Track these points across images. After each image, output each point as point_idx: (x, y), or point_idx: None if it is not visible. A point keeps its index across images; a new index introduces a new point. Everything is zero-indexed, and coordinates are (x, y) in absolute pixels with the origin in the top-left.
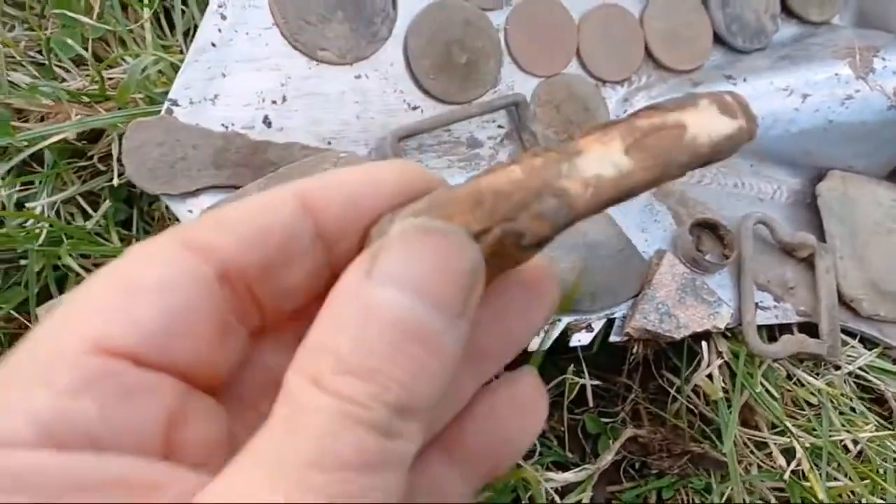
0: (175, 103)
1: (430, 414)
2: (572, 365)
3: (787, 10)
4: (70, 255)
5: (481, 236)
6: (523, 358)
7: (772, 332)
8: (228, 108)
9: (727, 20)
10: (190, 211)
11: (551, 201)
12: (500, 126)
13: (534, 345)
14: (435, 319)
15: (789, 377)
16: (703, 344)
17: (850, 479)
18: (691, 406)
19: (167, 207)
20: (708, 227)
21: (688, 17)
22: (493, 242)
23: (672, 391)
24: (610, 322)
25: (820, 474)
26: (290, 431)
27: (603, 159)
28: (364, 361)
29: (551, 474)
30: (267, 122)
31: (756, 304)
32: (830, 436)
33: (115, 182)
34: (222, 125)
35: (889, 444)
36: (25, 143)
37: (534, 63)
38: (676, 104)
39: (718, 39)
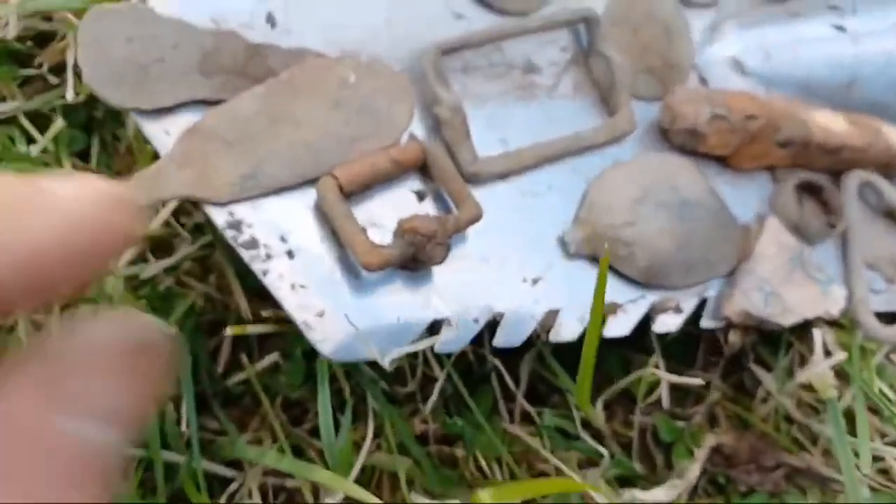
0: None
1: None
2: (650, 356)
3: None
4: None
5: (750, 119)
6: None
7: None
8: None
9: None
10: (167, 132)
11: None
12: (562, 48)
13: (616, 329)
14: None
15: None
16: (815, 332)
17: None
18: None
19: (137, 130)
20: (809, 190)
21: None
22: (757, 128)
23: (760, 390)
24: (701, 302)
25: None
26: None
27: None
28: None
29: (636, 492)
30: (271, 20)
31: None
32: None
33: (70, 97)
34: (212, 20)
35: None
36: None
37: None
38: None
39: None
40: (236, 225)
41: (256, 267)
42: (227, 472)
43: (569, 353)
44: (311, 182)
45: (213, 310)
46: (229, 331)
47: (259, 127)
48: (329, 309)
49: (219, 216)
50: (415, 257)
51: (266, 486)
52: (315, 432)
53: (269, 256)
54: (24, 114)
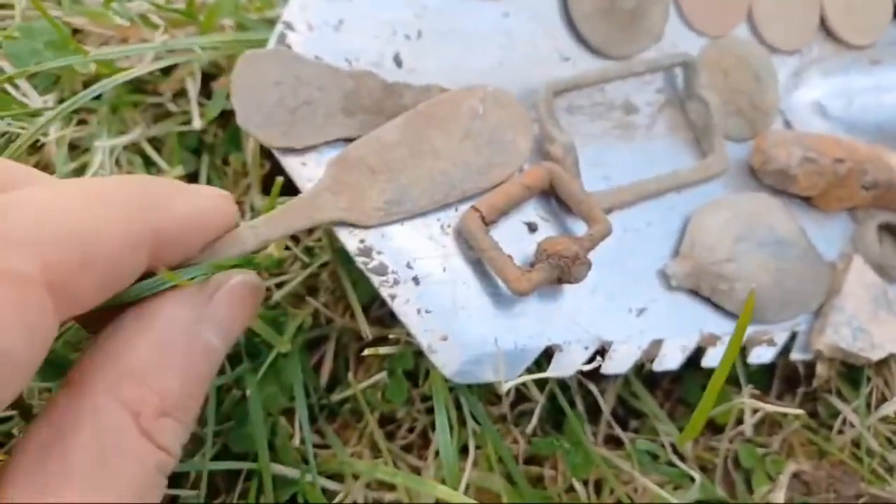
0: (290, 27)
1: None
2: (749, 386)
3: None
4: None
5: (838, 162)
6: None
7: None
8: (354, 38)
9: None
10: (303, 164)
11: (885, 166)
12: (658, 90)
13: (715, 359)
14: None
15: None
16: None
17: None
18: (855, 439)
19: (255, 155)
20: (889, 230)
21: None
22: (845, 171)
23: (837, 420)
24: (791, 336)
25: None
26: (104, 473)
27: None
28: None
29: None
30: (397, 60)
31: None
32: None
33: (197, 125)
34: (345, 59)
35: None
36: (105, 72)
37: (703, 19)
38: None
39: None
40: (367, 252)
41: (385, 292)
42: (334, 485)
43: (651, 376)
44: (445, 207)
45: (316, 327)
46: (367, 351)
47: (400, 156)
48: (452, 333)
49: (350, 243)
50: (559, 278)
51: (366, 499)
52: (406, 448)
53: (396, 282)
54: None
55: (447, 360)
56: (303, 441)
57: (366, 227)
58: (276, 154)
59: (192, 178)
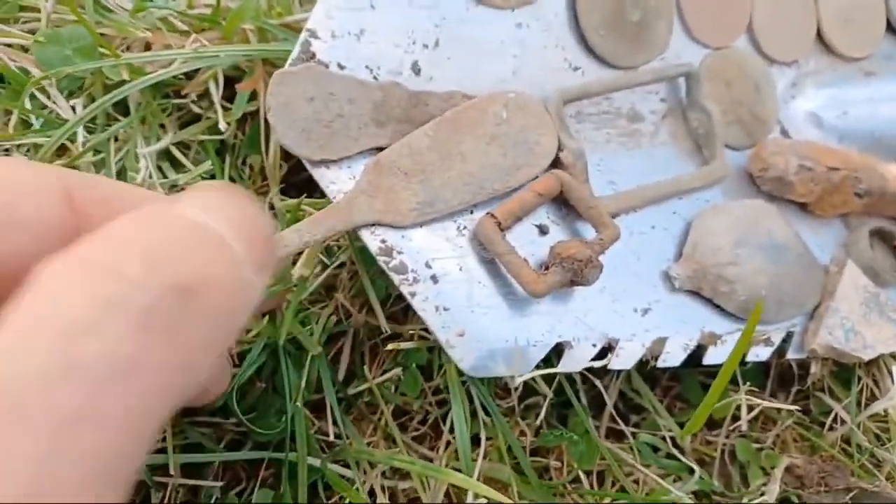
0: (314, 34)
1: None
2: (746, 383)
3: None
4: None
5: (833, 171)
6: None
7: None
8: (375, 46)
9: None
10: (332, 174)
11: (878, 175)
12: (662, 99)
13: (715, 357)
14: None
15: None
16: (894, 368)
17: None
18: (845, 435)
19: (276, 158)
20: (880, 236)
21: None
22: (839, 179)
23: (829, 417)
24: (787, 336)
25: None
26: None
27: None
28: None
29: None
30: (416, 68)
31: None
32: None
33: (223, 127)
34: (366, 67)
35: None
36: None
37: (705, 31)
38: None
39: (889, 27)
40: (388, 251)
41: (405, 289)
42: (349, 472)
43: (650, 374)
44: (472, 207)
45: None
46: (390, 346)
47: (431, 160)
48: (468, 330)
49: (372, 243)
50: (572, 280)
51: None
52: (419, 439)
53: (416, 280)
54: (173, 144)
55: (463, 355)
56: (336, 434)
57: (401, 227)
58: (308, 166)
59: (214, 178)
